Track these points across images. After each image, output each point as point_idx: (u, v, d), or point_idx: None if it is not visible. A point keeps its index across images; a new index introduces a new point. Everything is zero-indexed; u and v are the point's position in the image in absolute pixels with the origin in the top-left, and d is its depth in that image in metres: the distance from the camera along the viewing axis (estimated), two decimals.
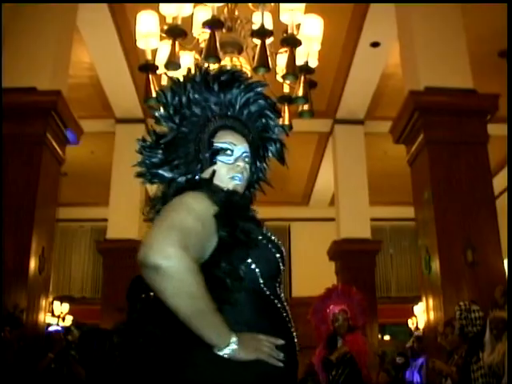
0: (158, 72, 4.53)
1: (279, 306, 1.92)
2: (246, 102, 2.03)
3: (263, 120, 2.09)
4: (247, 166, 1.98)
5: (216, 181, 1.90)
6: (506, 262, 7.18)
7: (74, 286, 15.20)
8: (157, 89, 4.50)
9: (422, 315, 10.54)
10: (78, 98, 9.23)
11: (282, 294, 1.97)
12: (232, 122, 2.01)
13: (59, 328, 8.40)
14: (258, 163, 2.11)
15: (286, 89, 4.68)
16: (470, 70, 7.29)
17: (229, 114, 2.02)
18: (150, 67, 4.43)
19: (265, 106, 2.08)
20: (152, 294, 1.75)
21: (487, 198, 6.98)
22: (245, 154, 1.98)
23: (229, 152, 1.95)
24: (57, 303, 12.26)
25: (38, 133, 6.93)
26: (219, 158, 1.95)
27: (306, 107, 4.56)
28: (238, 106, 2.03)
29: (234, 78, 2.04)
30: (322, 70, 5.42)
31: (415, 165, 7.44)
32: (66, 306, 12.56)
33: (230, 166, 1.95)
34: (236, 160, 1.96)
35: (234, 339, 1.73)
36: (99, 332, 7.33)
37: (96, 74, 9.60)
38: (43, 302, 7.15)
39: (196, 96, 1.99)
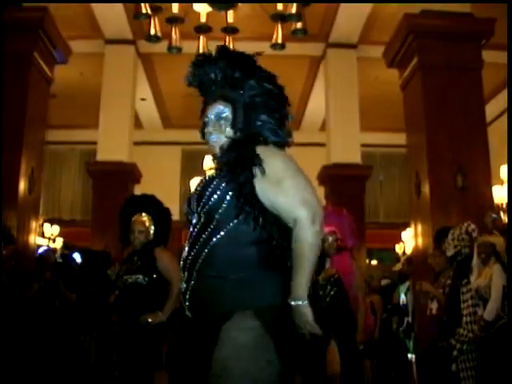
0: None
1: None
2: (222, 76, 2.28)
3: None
4: (222, 122, 2.25)
5: None
6: (493, 188, 7.23)
7: (64, 208, 15.23)
8: (147, 6, 4.39)
9: (409, 241, 10.68)
10: (66, 17, 8.94)
11: None
12: (210, 96, 2.31)
13: (46, 247, 8.48)
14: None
15: (280, 7, 4.57)
16: None
17: (213, 88, 2.30)
18: None
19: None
20: None
21: (479, 124, 6.97)
22: (215, 115, 2.27)
23: (206, 123, 2.30)
24: (47, 225, 12.30)
25: (25, 51, 6.80)
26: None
27: (299, 25, 4.47)
28: (218, 79, 2.29)
29: (205, 58, 2.32)
30: None
31: (408, 89, 7.38)
32: (56, 228, 12.61)
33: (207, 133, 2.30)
34: (209, 126, 2.28)
35: None
36: (91, 253, 7.37)
37: None
38: (33, 224, 7.18)
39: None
